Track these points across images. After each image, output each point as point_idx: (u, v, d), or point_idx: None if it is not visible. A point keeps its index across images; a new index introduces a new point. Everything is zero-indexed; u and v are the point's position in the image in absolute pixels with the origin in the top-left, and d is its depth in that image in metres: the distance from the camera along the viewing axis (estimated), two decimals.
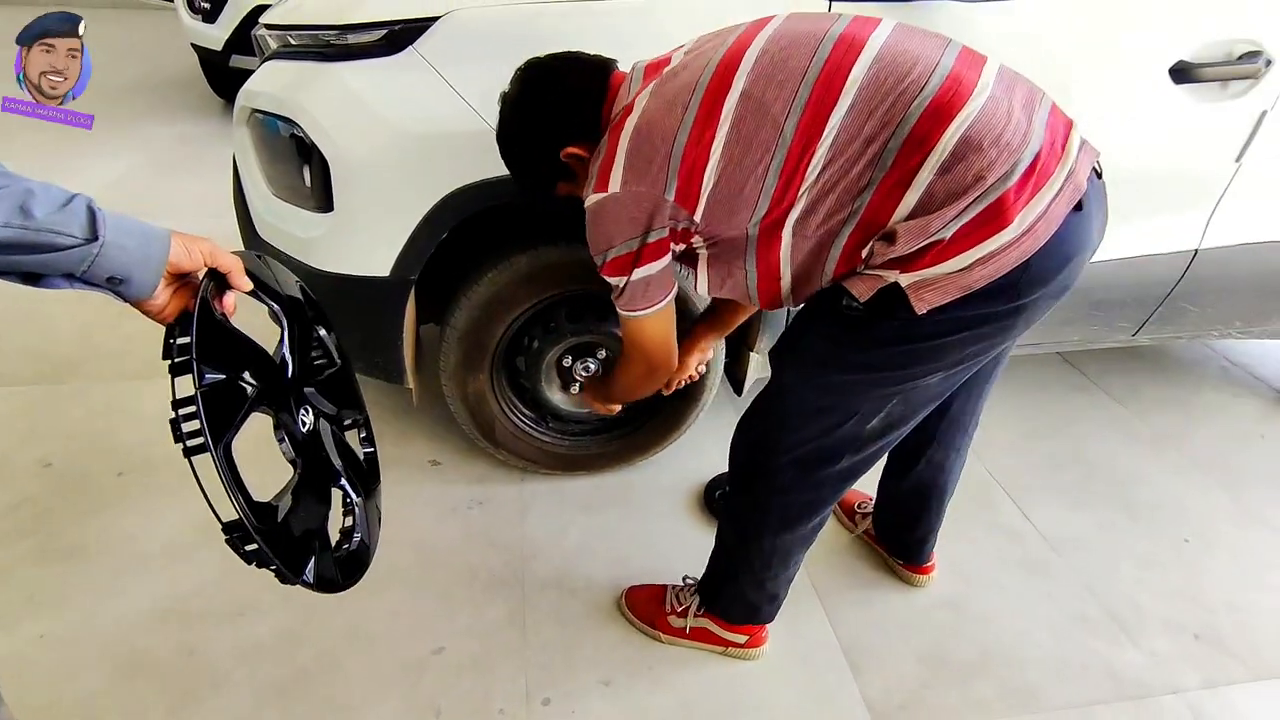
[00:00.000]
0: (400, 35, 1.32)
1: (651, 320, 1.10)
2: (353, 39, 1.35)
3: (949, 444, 1.41)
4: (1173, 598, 1.63)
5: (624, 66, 1.11)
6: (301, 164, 1.46)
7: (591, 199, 1.00)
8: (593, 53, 1.10)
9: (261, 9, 3.95)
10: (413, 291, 1.48)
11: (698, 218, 0.98)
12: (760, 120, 0.91)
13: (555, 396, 1.70)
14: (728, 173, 0.94)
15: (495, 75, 1.30)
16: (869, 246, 0.93)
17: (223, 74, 4.41)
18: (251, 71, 4.50)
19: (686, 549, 1.66)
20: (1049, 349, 2.13)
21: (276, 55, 1.50)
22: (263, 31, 1.59)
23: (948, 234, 0.88)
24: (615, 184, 0.96)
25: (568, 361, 1.65)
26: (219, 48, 4.16)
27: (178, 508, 1.66)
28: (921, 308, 0.90)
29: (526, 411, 1.76)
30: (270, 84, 1.46)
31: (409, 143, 1.33)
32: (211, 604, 1.46)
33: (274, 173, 1.54)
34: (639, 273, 1.02)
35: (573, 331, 1.60)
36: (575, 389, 1.69)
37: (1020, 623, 1.55)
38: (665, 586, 1.50)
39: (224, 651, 1.39)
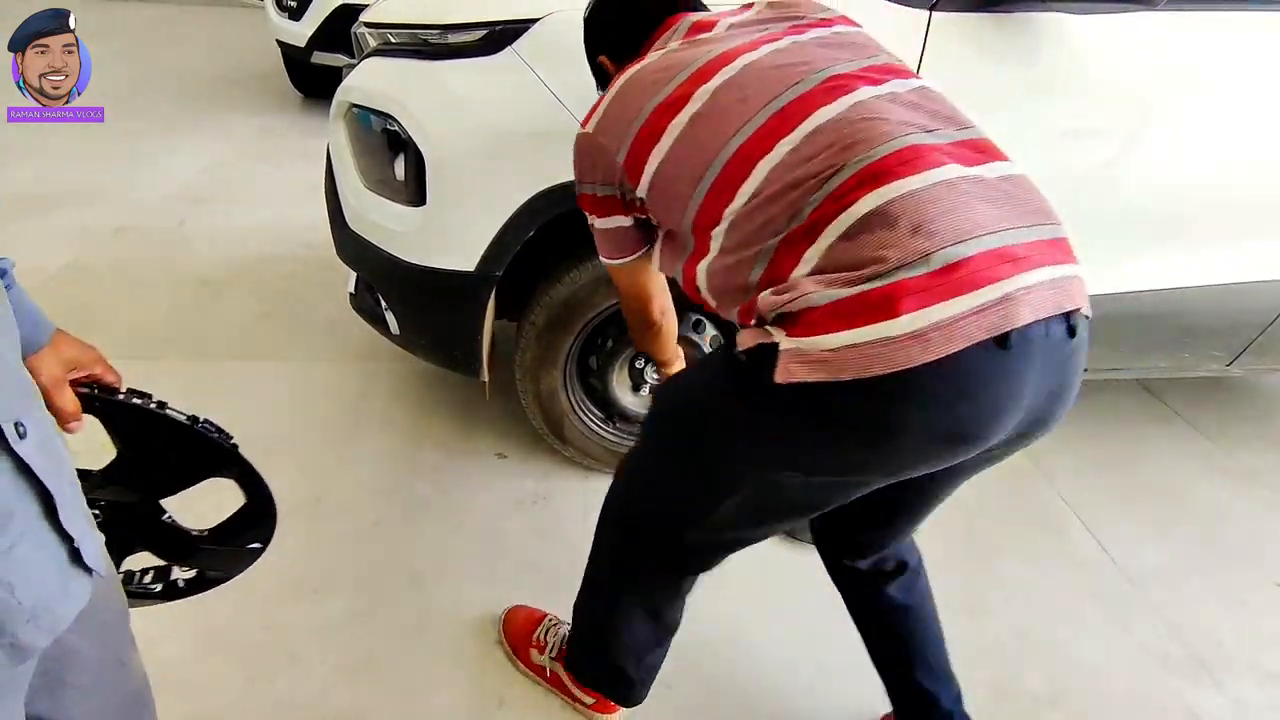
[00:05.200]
0: (500, 36, 1.35)
1: (616, 271, 1.14)
2: (453, 38, 1.38)
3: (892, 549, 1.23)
4: (1262, 643, 1.55)
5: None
6: (394, 158, 1.51)
7: (580, 129, 1.02)
8: None
9: (344, 8, 4.11)
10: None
11: (640, 193, 0.95)
12: (715, 128, 0.86)
13: (625, 397, 1.71)
14: (669, 164, 0.90)
15: (592, 78, 1.33)
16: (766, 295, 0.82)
17: (304, 69, 4.58)
18: (332, 67, 4.61)
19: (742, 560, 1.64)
20: (1132, 375, 2.05)
21: (376, 53, 1.55)
22: (362, 29, 1.64)
23: (821, 302, 0.74)
24: (593, 124, 0.99)
25: (640, 363, 1.66)
26: (302, 44, 4.31)
27: None
28: (783, 376, 0.76)
29: (596, 410, 1.77)
30: (370, 80, 1.51)
31: (503, 141, 1.36)
32: (287, 581, 1.51)
33: (367, 166, 1.58)
34: (596, 223, 1.06)
35: None
36: (646, 390, 1.70)
37: (1095, 656, 1.50)
38: (544, 616, 1.42)
39: (298, 629, 1.43)
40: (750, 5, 1.06)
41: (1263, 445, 2.16)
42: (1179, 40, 1.46)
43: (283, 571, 1.53)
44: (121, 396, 0.81)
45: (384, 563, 1.58)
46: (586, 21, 1.16)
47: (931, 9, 1.35)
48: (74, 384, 0.78)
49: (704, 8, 1.10)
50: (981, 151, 0.83)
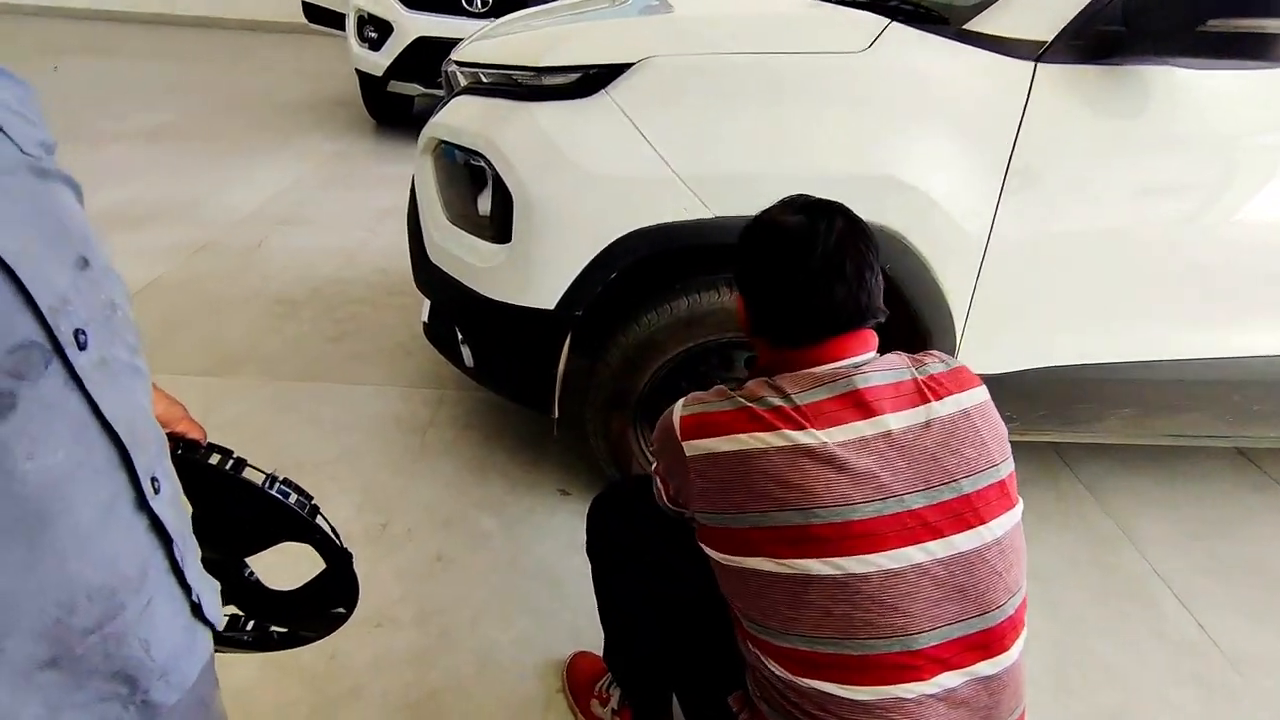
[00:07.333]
0: (594, 79, 1.35)
1: None
2: (547, 80, 1.40)
3: None
4: None
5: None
6: (480, 195, 1.52)
7: (678, 429, 0.88)
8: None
9: (421, 41, 4.26)
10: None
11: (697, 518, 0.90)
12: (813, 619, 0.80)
13: None
14: (750, 587, 0.85)
15: (684, 122, 1.33)
16: None
17: (380, 97, 4.75)
18: (405, 96, 4.79)
19: None
20: (1230, 443, 1.94)
21: (467, 91, 1.57)
22: (453, 68, 1.67)
23: None
24: (691, 448, 0.85)
25: None
26: (380, 74, 4.48)
27: (326, 511, 1.73)
28: None
29: None
30: (460, 118, 1.53)
31: (592, 184, 1.36)
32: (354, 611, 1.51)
33: (452, 201, 1.61)
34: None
35: (722, 379, 1.58)
36: None
37: None
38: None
39: (362, 661, 1.42)
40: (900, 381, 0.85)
41: None
42: None
43: None
44: (201, 453, 0.79)
45: (447, 598, 1.57)
46: (741, 241, 0.95)
47: (1037, 60, 1.31)
48: None
49: (867, 348, 0.88)
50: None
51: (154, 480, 0.52)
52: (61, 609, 0.46)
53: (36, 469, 0.43)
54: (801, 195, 0.94)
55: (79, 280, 0.47)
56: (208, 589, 0.59)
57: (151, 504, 0.51)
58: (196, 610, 0.57)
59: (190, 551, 0.57)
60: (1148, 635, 1.62)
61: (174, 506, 0.55)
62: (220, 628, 0.61)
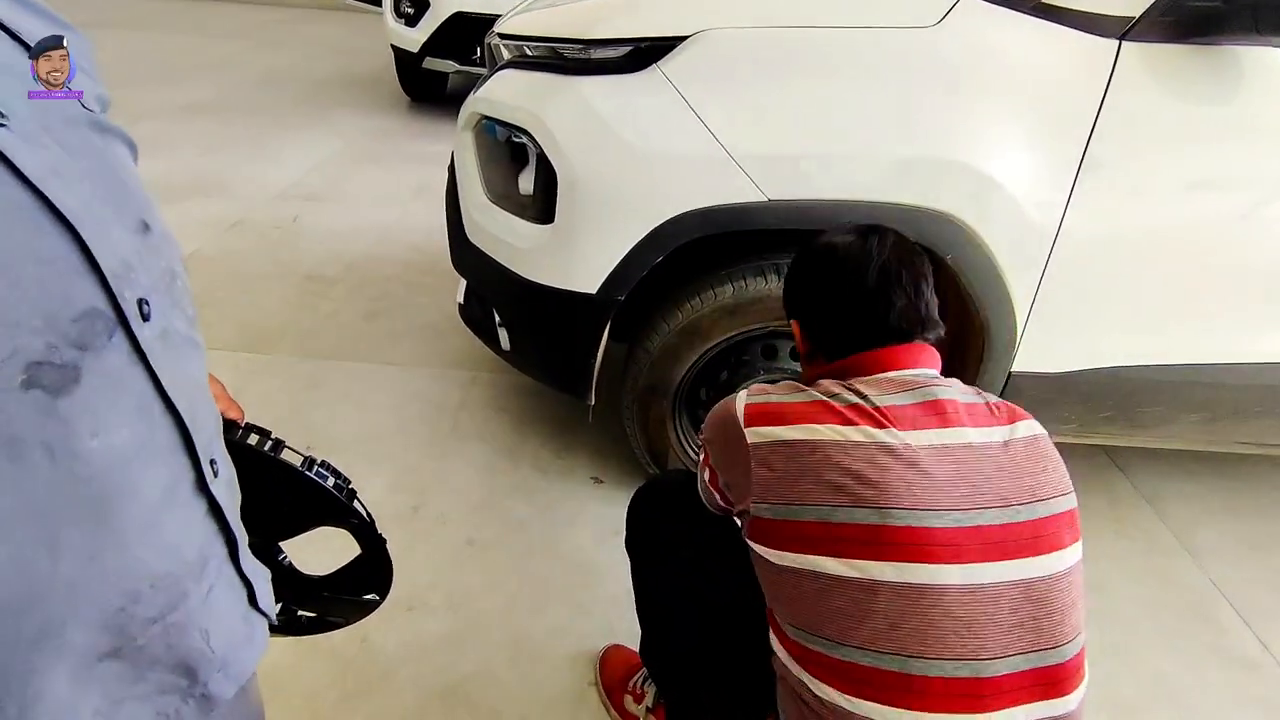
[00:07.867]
0: (645, 53, 1.29)
1: None
2: (596, 54, 1.34)
3: None
4: None
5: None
6: (520, 171, 1.47)
7: (738, 416, 0.83)
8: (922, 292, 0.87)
9: (458, 16, 4.20)
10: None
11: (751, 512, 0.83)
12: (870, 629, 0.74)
13: None
14: (803, 592, 0.79)
15: (741, 100, 1.26)
16: None
17: (414, 74, 4.71)
18: (440, 73, 4.72)
19: None
20: None
21: (511, 65, 1.52)
22: (496, 41, 1.62)
23: None
24: (754, 434, 0.80)
25: None
26: (415, 50, 4.43)
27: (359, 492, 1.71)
28: None
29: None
30: (504, 93, 1.48)
31: (641, 163, 1.30)
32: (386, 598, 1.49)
33: (493, 179, 1.56)
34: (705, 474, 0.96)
35: (765, 369, 1.52)
36: None
37: None
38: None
39: (393, 646, 1.40)
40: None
41: None
42: None
43: None
44: (239, 433, 0.76)
45: (478, 585, 1.54)
46: (790, 273, 0.97)
47: (1121, 38, 1.22)
48: None
49: (933, 357, 0.86)
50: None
51: (213, 462, 0.49)
52: (125, 597, 0.43)
53: (101, 448, 0.40)
54: (847, 221, 0.95)
55: (140, 245, 0.44)
56: (260, 577, 0.56)
57: (211, 487, 0.48)
58: (252, 599, 0.54)
59: (243, 537, 0.54)
60: (1206, 651, 1.54)
61: (230, 490, 0.52)
62: (274, 617, 0.58)
